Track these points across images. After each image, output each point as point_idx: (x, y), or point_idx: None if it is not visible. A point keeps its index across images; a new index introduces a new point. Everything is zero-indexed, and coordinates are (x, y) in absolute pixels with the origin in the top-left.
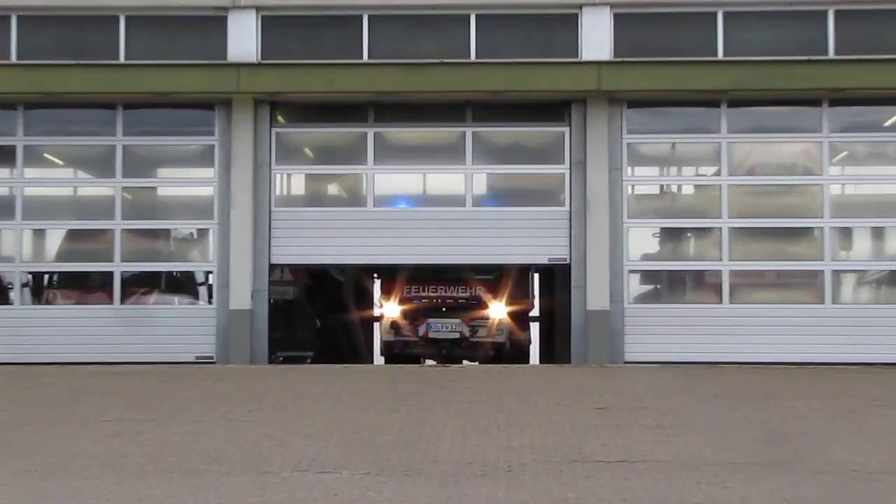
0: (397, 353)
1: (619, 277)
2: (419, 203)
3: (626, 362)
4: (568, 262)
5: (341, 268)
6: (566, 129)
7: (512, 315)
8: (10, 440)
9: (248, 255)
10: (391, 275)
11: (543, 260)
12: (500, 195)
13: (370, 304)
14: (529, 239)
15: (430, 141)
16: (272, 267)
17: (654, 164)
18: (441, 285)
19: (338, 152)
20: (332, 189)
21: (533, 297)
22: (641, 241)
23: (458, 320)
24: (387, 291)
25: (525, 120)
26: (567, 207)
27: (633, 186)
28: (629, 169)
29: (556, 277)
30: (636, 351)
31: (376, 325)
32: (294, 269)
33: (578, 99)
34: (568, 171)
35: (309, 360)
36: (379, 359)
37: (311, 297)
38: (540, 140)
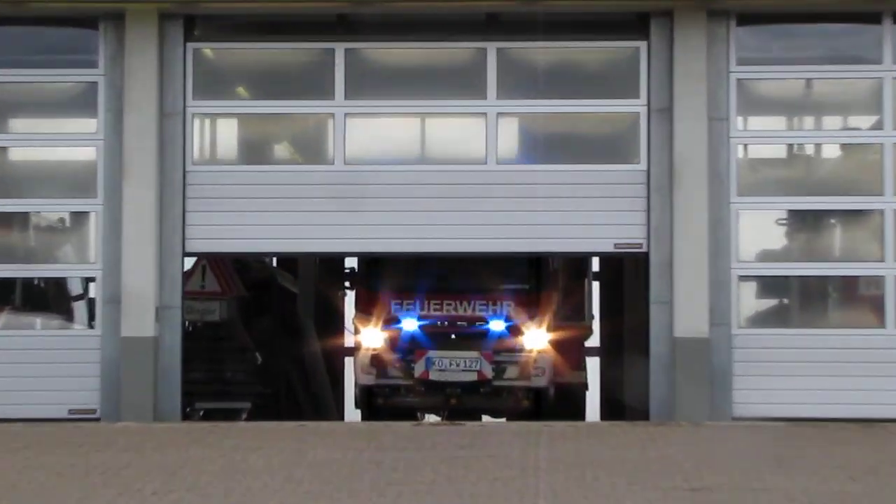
0: (381, 403)
1: (725, 287)
2: (414, 161)
3: (734, 418)
4: (645, 249)
5: (293, 258)
6: (641, 48)
7: (558, 345)
8: None
9: (151, 248)
10: (372, 279)
11: (607, 247)
12: (540, 148)
13: (339, 329)
14: (584, 215)
15: (433, 64)
16: (186, 275)
17: (777, 111)
18: (449, 298)
19: (289, 83)
20: (281, 140)
21: (590, 316)
22: (759, 230)
23: (474, 354)
24: (365, 308)
25: (578, 34)
26: (643, 167)
27: (745, 146)
28: (739, 119)
29: (626, 284)
30: (751, 401)
31: (350, 361)
32: (222, 273)
33: (661, 10)
34: (645, 115)
35: (245, 415)
36: (353, 412)
37: (250, 317)
38: (600, 64)
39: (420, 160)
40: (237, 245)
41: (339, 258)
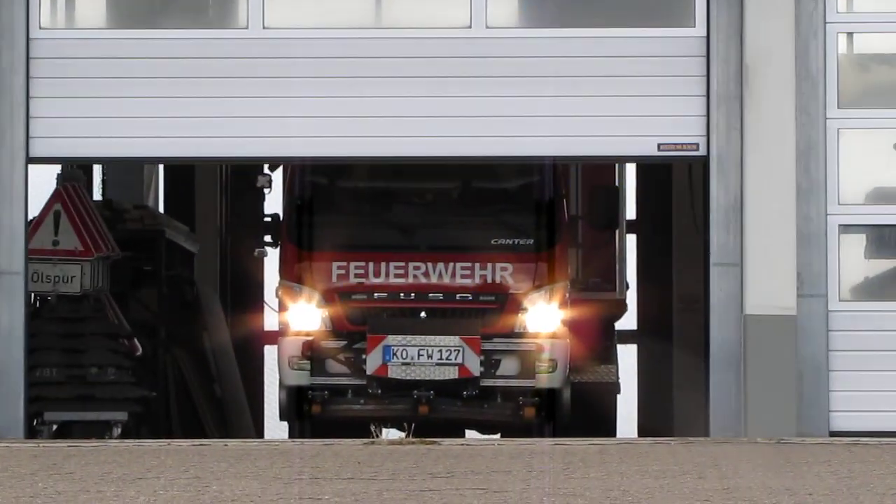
0: (319, 412)
1: (819, 241)
2: (366, 25)
3: (833, 433)
4: (704, 153)
5: (185, 165)
6: None
7: (577, 327)
8: None
9: None
10: (304, 231)
11: (647, 148)
12: (548, 6)
13: (258, 304)
14: (613, 102)
15: None
16: (32, 227)
17: None
18: (417, 259)
19: None
20: None
21: (623, 285)
22: (869, 159)
23: (454, 340)
24: (294, 273)
25: None
26: (700, 31)
27: (849, 36)
28: None
29: (676, 236)
30: (857, 408)
31: (272, 351)
32: (84, 223)
33: None
34: None
35: (119, 430)
36: (278, 425)
37: (125, 288)
38: None
39: (374, 24)
40: (105, 147)
41: (254, 169)
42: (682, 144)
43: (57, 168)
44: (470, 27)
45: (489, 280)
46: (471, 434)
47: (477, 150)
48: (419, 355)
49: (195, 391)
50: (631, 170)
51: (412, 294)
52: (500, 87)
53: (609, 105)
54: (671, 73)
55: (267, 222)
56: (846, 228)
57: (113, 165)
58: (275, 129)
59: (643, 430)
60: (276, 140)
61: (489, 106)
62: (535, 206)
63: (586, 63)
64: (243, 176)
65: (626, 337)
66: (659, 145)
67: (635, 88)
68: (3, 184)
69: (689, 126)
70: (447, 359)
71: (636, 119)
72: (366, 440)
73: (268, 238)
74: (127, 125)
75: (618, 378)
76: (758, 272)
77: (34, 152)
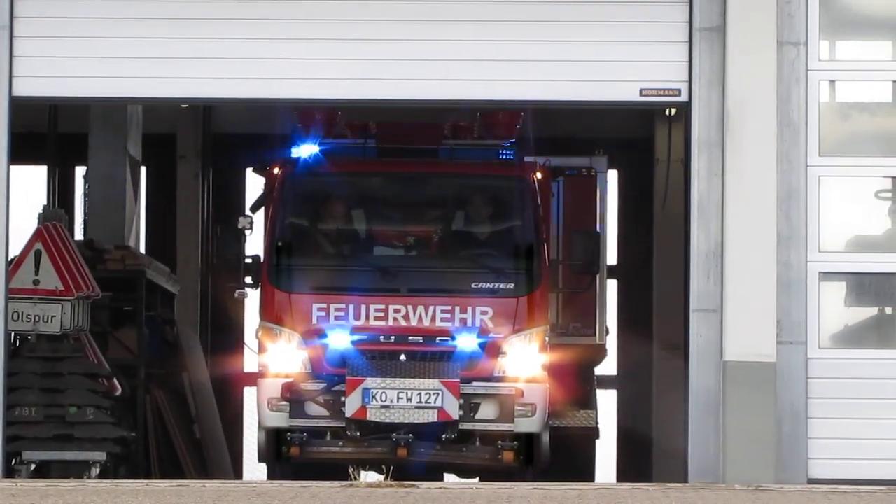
0: (297, 454)
1: (799, 288)
2: None
3: (812, 480)
4: (684, 98)
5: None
6: None
7: (556, 372)
8: None
9: None
10: (284, 273)
11: (628, 94)
12: None
13: (238, 345)
14: (594, 46)
15: None
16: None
17: (879, 33)
18: (397, 302)
19: None
20: None
21: (603, 330)
22: (850, 206)
23: (434, 383)
24: (274, 315)
25: None
26: None
27: (831, 84)
28: (821, 45)
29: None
30: (837, 456)
31: (251, 393)
32: (65, 262)
33: None
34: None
35: (98, 470)
36: (256, 467)
37: (105, 328)
38: None
39: None
40: (91, 87)
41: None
42: (664, 90)
43: (38, 208)
44: None
45: (469, 324)
46: (449, 478)
47: (464, 93)
48: (398, 398)
49: (174, 432)
50: (613, 215)
51: (392, 337)
52: (487, 30)
53: (592, 50)
54: (654, 18)
55: (247, 264)
56: (826, 276)
57: (100, 106)
58: (266, 70)
59: (622, 476)
60: (267, 81)
61: (477, 49)
62: (516, 251)
63: (570, 7)
64: (224, 218)
65: (606, 382)
66: (641, 90)
67: (617, 33)
68: None
69: (671, 71)
70: (426, 402)
71: (618, 64)
72: (344, 482)
73: (248, 279)
74: (114, 65)
75: (597, 423)
76: (738, 319)
77: (18, 91)
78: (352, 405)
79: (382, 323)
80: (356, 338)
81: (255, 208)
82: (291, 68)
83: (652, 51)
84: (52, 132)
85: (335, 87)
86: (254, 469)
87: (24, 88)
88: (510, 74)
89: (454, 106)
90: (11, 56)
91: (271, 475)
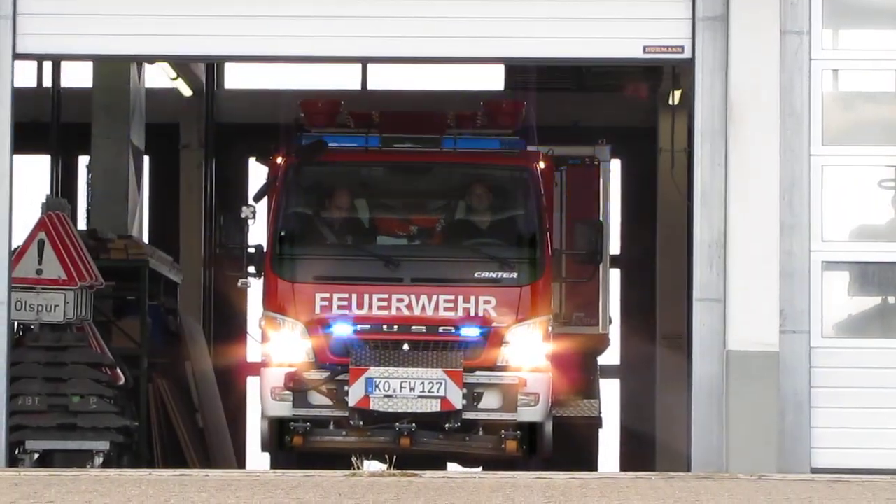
0: (300, 443)
1: (803, 277)
2: None
3: (815, 469)
4: (689, 56)
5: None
6: None
7: (559, 361)
8: None
9: None
10: (287, 263)
11: (632, 50)
12: None
13: (240, 335)
14: (600, 5)
15: None
16: (15, 256)
17: (883, 22)
18: (400, 291)
19: None
20: None
21: (606, 319)
22: (853, 196)
23: (437, 373)
24: (277, 304)
25: None
26: None
27: (834, 73)
28: (824, 34)
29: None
30: (839, 445)
31: (254, 382)
32: (68, 251)
33: None
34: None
35: (101, 459)
36: (259, 456)
37: (108, 318)
38: None
39: None
40: (93, 44)
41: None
42: (668, 47)
43: (41, 198)
44: None
45: (472, 313)
46: (452, 467)
47: (466, 50)
48: (401, 388)
49: (177, 421)
50: (616, 204)
51: (395, 326)
52: None
53: (596, 7)
54: None
55: (250, 253)
56: (829, 265)
57: (104, 62)
58: (271, 28)
59: (625, 465)
60: (272, 39)
61: (480, 7)
62: (519, 240)
63: None
64: (227, 207)
65: (609, 371)
66: (644, 48)
67: None
68: None
69: (675, 29)
70: (429, 391)
71: (622, 21)
72: (347, 472)
73: (251, 269)
74: (117, 22)
75: (600, 412)
76: (741, 308)
77: (21, 48)
78: (355, 394)
79: (385, 312)
80: (359, 327)
81: (258, 198)
82: (298, 26)
83: (655, 8)
84: (55, 122)
85: (330, 45)
86: (257, 458)
87: (28, 46)
88: (514, 32)
89: (455, 63)
90: (15, 13)
91: (274, 464)
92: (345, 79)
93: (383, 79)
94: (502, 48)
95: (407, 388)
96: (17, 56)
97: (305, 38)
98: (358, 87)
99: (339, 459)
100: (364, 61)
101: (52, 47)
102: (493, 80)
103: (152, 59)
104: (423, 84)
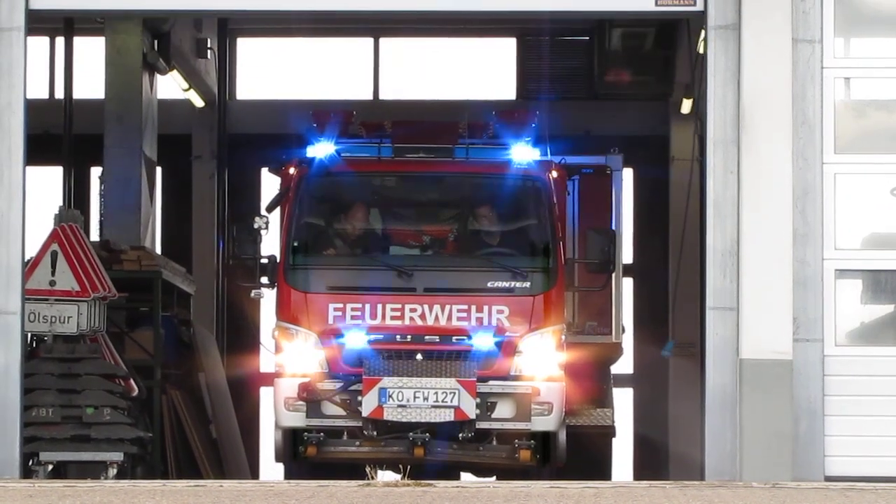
0: (314, 454)
1: (816, 286)
2: None
3: (829, 478)
4: (701, 9)
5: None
6: None
7: (573, 371)
8: None
9: None
10: (300, 273)
11: (645, 4)
12: None
13: (254, 345)
14: None
15: None
16: (29, 267)
17: (893, 30)
18: (413, 301)
19: None
20: None
21: (619, 328)
22: (866, 204)
23: (450, 382)
24: (290, 315)
25: None
26: None
27: (846, 81)
28: (836, 42)
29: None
30: (851, 453)
31: (268, 393)
32: (81, 263)
33: None
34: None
35: (115, 471)
36: (273, 467)
37: (122, 329)
38: None
39: None
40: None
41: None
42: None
43: (54, 209)
44: None
45: (485, 323)
46: (466, 477)
47: (477, 4)
48: (415, 398)
49: (191, 432)
50: (628, 213)
51: (408, 336)
52: None
53: None
54: None
55: (263, 264)
56: (842, 273)
57: (116, 19)
58: None
59: (638, 474)
60: None
61: None
62: (532, 249)
63: None
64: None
65: (623, 381)
66: (656, 0)
67: None
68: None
69: None
70: (443, 401)
71: None
72: (361, 482)
73: (264, 279)
74: None
75: (613, 421)
76: (754, 316)
77: (35, 4)
78: (368, 405)
79: (399, 322)
80: (372, 337)
81: (270, 208)
82: None
83: None
84: (67, 133)
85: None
86: (271, 469)
87: (41, 1)
88: None
89: (465, 17)
90: None
91: (288, 475)
92: (357, 89)
93: (395, 89)
94: (513, 1)
95: (420, 398)
96: (30, 12)
97: None
98: (370, 97)
99: (352, 470)
100: (375, 16)
101: (65, 2)
102: (504, 89)
103: (163, 14)
104: (434, 94)
